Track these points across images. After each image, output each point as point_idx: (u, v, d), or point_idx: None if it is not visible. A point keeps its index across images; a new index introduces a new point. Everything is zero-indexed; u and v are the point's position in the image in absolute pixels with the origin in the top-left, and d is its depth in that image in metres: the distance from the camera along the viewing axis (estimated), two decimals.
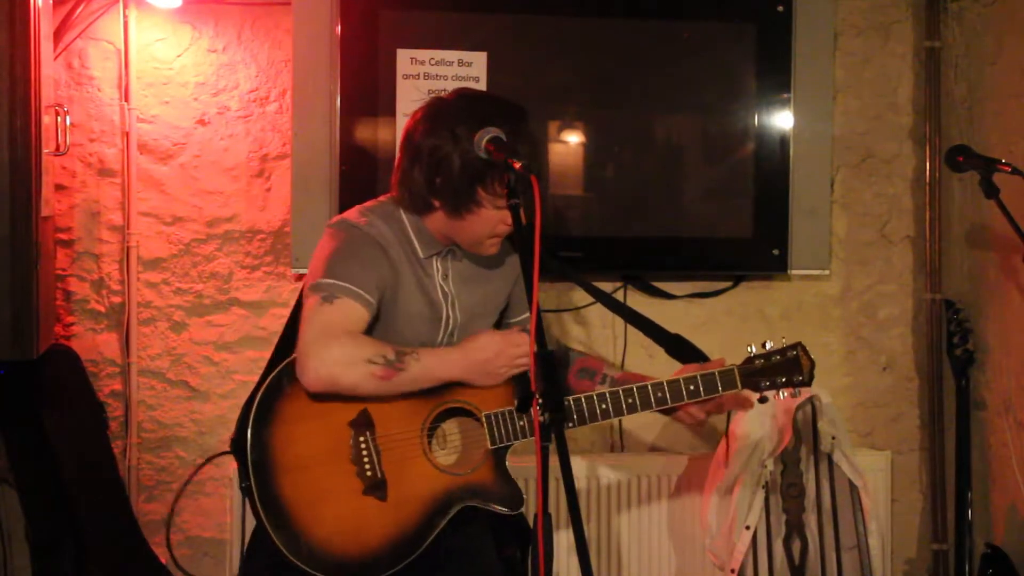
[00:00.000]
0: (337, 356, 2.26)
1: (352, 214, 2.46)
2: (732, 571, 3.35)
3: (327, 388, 2.28)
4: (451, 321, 2.48)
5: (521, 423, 2.41)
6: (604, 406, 2.45)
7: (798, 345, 2.54)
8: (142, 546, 3.38)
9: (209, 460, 2.67)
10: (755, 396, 2.54)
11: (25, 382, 3.19)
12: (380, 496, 2.34)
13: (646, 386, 2.47)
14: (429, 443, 2.40)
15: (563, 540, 3.31)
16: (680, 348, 2.65)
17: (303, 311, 2.35)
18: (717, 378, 2.49)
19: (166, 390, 3.53)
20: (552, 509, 3.00)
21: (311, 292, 2.34)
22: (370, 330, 2.40)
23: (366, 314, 2.34)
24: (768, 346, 2.54)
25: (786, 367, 2.52)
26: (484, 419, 2.41)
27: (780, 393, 2.52)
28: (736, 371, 2.51)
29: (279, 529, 2.28)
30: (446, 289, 2.48)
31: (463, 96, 2.44)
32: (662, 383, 2.48)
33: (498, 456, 2.43)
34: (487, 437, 2.41)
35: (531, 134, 2.42)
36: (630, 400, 2.45)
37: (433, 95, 2.48)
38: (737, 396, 2.54)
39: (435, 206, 2.40)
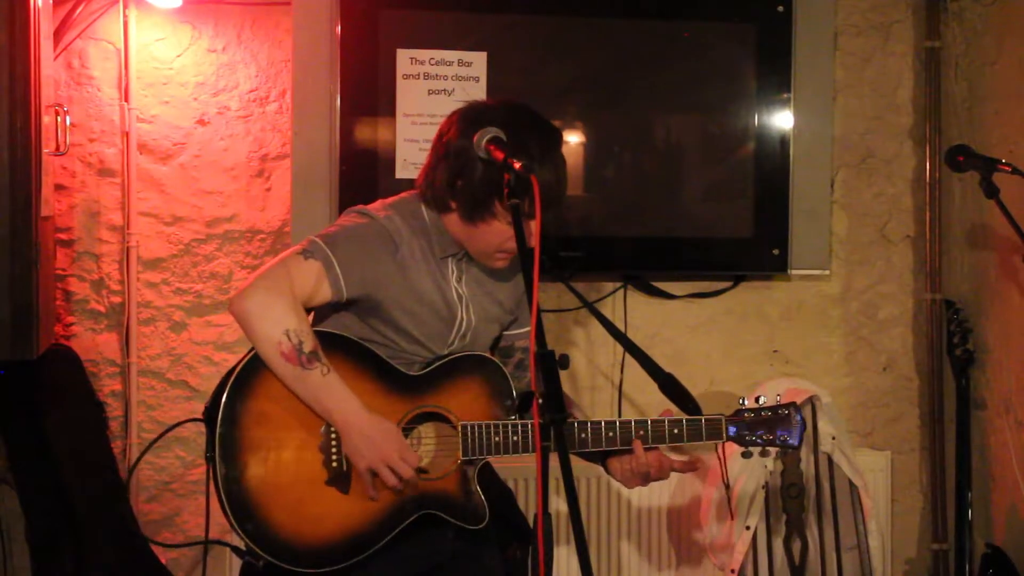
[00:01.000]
0: (270, 306, 2.28)
1: (375, 206, 2.48)
2: (732, 571, 3.35)
3: (238, 321, 2.31)
4: (464, 323, 2.48)
5: (496, 439, 2.39)
6: (583, 435, 2.43)
7: (791, 405, 2.51)
8: (142, 546, 3.38)
9: (179, 425, 2.66)
10: (739, 450, 2.52)
11: (25, 382, 3.19)
12: (342, 488, 2.34)
13: (630, 422, 2.45)
14: None
15: (563, 540, 3.31)
16: (670, 387, 2.63)
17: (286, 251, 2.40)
18: (703, 425, 2.48)
19: (166, 390, 3.53)
20: (552, 509, 2.99)
21: (303, 242, 2.38)
22: (380, 323, 2.41)
23: (328, 294, 2.35)
24: (762, 401, 2.51)
25: (776, 425, 2.49)
26: (460, 429, 2.40)
27: (764, 451, 2.50)
28: (723, 421, 2.49)
29: (234, 503, 2.29)
30: (460, 291, 2.48)
31: (503, 106, 2.44)
32: (646, 421, 2.45)
33: (468, 468, 2.41)
34: (459, 447, 2.40)
35: (560, 158, 2.41)
36: (611, 433, 2.44)
37: (473, 100, 2.49)
38: (661, 466, 2.46)
39: (452, 207, 2.41)
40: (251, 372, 2.33)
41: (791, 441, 2.49)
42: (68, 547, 3.24)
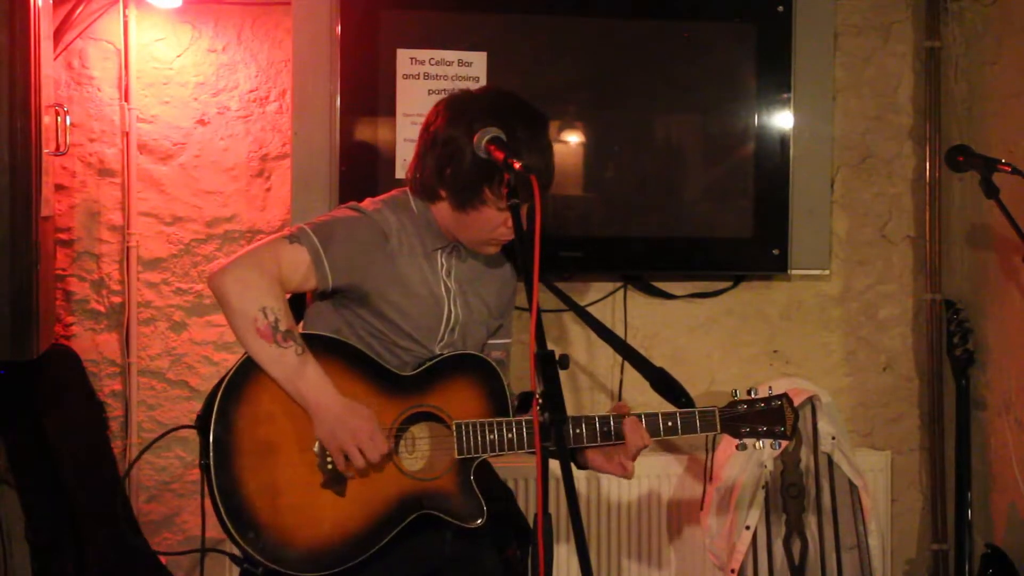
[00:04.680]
0: (249, 283, 2.27)
1: (365, 202, 2.49)
2: (732, 571, 3.35)
3: (216, 295, 2.30)
4: (452, 316, 2.48)
5: (491, 437, 2.40)
6: (578, 431, 2.44)
7: (783, 396, 2.53)
8: (142, 546, 3.38)
9: (170, 432, 2.63)
10: (734, 442, 2.53)
11: (25, 382, 3.18)
12: (338, 491, 2.34)
13: (622, 417, 2.46)
14: (396, 445, 2.40)
15: (563, 540, 3.31)
16: (662, 383, 2.63)
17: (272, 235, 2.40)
18: (696, 418, 2.48)
19: (166, 390, 3.53)
20: (552, 509, 3.01)
21: (291, 228, 2.39)
22: (369, 314, 2.41)
23: (313, 281, 2.35)
24: (754, 393, 2.53)
25: (769, 416, 2.51)
26: (454, 428, 2.40)
27: (759, 442, 2.51)
28: (717, 413, 2.49)
29: (231, 510, 2.27)
30: (448, 285, 2.48)
31: (489, 93, 2.46)
32: (640, 415, 2.47)
33: (464, 467, 2.41)
34: (455, 446, 2.40)
35: (547, 143, 2.42)
36: (605, 428, 2.45)
37: (460, 88, 2.50)
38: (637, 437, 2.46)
39: (441, 196, 2.42)
40: (242, 378, 2.32)
41: (784, 432, 2.51)
42: (68, 547, 3.24)
